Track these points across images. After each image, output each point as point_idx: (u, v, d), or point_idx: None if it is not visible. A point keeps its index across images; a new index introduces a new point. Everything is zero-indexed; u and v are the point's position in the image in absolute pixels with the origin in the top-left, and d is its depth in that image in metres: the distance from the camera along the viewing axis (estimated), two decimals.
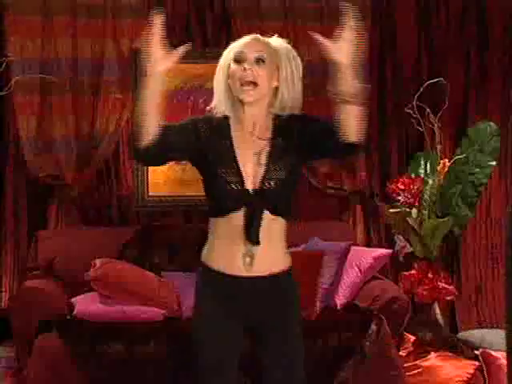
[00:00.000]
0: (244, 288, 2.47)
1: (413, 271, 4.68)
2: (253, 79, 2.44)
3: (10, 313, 4.11)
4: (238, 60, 2.46)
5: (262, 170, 2.45)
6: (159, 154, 2.39)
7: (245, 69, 2.44)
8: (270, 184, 2.43)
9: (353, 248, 4.49)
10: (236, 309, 2.49)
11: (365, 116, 2.35)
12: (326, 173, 5.22)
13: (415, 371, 4.22)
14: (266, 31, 5.00)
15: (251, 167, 2.45)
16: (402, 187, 4.66)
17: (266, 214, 2.44)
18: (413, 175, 4.79)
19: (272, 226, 2.45)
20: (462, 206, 4.70)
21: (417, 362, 4.29)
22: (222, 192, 2.44)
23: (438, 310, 4.67)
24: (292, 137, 2.48)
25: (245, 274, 2.45)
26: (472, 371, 4.19)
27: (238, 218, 2.43)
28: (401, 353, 4.33)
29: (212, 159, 2.45)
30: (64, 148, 4.90)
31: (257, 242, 2.42)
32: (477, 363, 4.26)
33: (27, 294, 4.08)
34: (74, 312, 4.03)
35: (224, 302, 2.48)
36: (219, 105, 2.52)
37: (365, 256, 4.50)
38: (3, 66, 4.58)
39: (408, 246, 4.83)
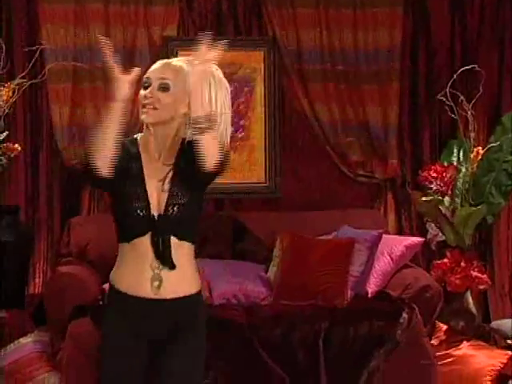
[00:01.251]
0: (151, 310, 2.45)
1: (445, 260, 4.64)
2: (152, 105, 2.42)
3: (44, 298, 4.16)
4: (145, 86, 2.45)
5: (165, 196, 2.44)
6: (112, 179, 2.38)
7: (146, 96, 2.43)
8: (173, 210, 2.42)
9: (384, 236, 4.48)
10: (142, 329, 2.47)
11: (217, 141, 2.33)
12: (358, 161, 5.20)
13: (447, 360, 4.21)
14: (298, 18, 5.10)
15: (156, 193, 2.45)
16: (435, 175, 4.62)
17: (172, 239, 2.42)
18: (445, 163, 4.75)
19: (178, 250, 2.43)
20: (496, 194, 4.65)
21: (449, 351, 4.27)
22: (127, 217, 2.43)
23: (470, 299, 4.63)
24: (191, 161, 2.40)
25: (152, 296, 2.43)
26: (505, 361, 4.16)
27: (145, 243, 2.43)
28: (433, 342, 4.31)
29: (121, 183, 2.42)
30: None
31: (172, 266, 2.41)
32: (510, 353, 4.23)
33: (61, 279, 4.13)
34: None
35: (130, 324, 2.47)
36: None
37: (396, 244, 4.48)
38: (37, 53, 4.62)
39: (440, 234, 4.80)
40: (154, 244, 2.42)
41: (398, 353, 3.93)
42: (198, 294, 2.53)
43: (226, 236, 4.75)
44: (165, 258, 2.42)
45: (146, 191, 2.44)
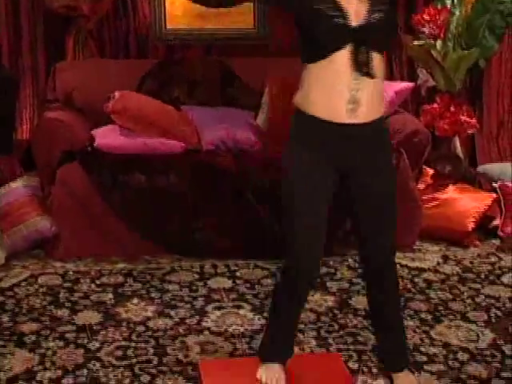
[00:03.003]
0: (346, 134, 2.39)
1: (435, 105, 4.61)
2: None
3: (32, 144, 4.15)
4: None
5: (364, 6, 2.35)
6: None
7: None
8: (374, 18, 2.34)
9: None
10: (333, 155, 2.43)
11: None
12: None
13: (433, 203, 4.28)
14: None
15: (352, 3, 2.34)
16: (428, 18, 4.50)
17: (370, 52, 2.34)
18: (439, 5, 4.61)
19: (375, 65, 2.36)
20: (489, 36, 4.53)
21: (435, 194, 4.33)
22: (324, 29, 2.32)
23: (458, 144, 4.64)
24: None
25: (347, 120, 2.37)
26: (489, 203, 4.24)
27: (343, 57, 2.33)
28: (419, 186, 4.37)
29: None
30: None
31: (372, 75, 2.33)
32: (495, 195, 4.29)
33: (48, 124, 4.08)
34: (95, 144, 4.05)
35: (321, 149, 2.42)
36: None
37: (386, 90, 4.38)
38: None
39: (431, 80, 4.74)
40: (354, 56, 2.31)
41: None
42: (386, 114, 2.52)
43: (215, 81, 4.69)
44: (367, 67, 2.32)
45: (338, 1, 2.33)
